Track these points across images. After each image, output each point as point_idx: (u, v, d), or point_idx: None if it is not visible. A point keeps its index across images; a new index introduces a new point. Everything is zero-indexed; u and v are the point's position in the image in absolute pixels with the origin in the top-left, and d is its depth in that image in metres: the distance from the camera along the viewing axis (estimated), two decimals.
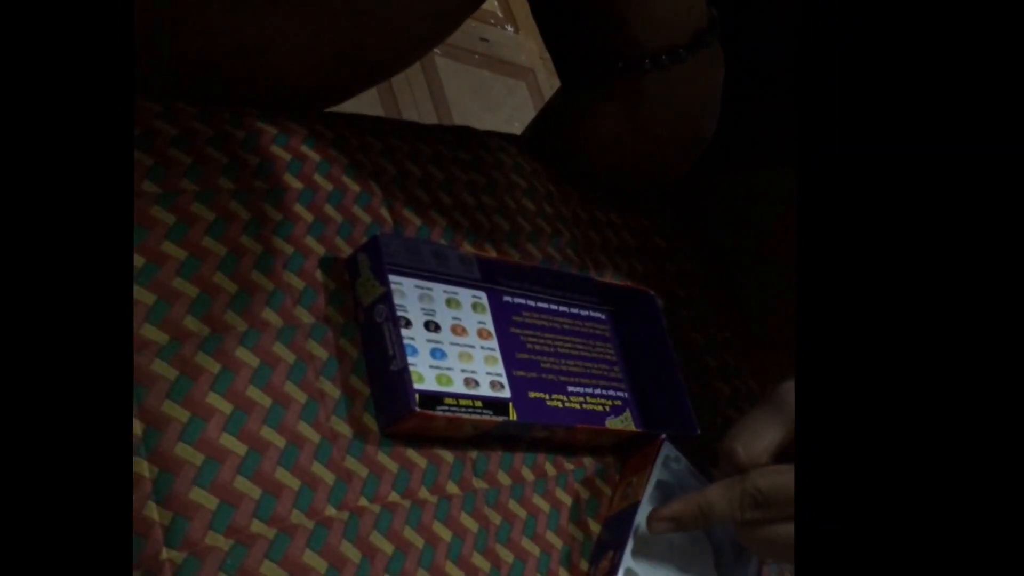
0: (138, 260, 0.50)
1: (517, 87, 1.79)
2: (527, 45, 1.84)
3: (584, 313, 0.69)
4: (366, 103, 1.34)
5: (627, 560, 0.59)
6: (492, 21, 1.71)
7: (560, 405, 0.64)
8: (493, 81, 1.76)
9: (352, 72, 0.64)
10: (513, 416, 0.59)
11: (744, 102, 0.78)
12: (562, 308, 0.68)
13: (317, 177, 0.60)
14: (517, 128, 1.62)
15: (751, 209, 0.87)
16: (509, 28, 1.74)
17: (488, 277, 0.64)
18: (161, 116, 0.55)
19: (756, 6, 0.77)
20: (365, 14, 0.59)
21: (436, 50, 1.50)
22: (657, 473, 0.63)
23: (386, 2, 0.59)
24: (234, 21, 0.57)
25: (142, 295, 0.49)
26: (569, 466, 0.63)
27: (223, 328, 0.51)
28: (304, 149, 0.60)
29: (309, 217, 0.58)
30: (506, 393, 0.61)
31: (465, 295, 0.62)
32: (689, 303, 0.80)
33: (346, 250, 0.58)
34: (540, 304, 0.67)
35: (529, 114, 1.83)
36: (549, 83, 1.88)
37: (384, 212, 0.62)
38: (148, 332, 0.48)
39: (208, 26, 0.57)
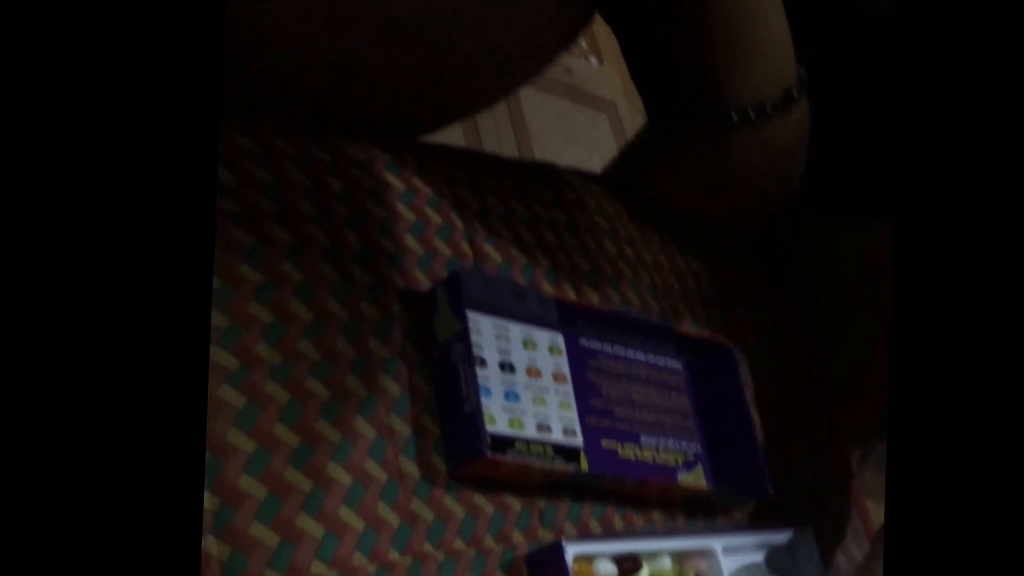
0: (216, 282, 0.49)
1: (599, 119, 1.77)
2: (611, 78, 1.82)
3: (660, 362, 0.67)
4: (447, 132, 1.33)
5: None
6: (576, 52, 1.70)
7: (632, 456, 0.62)
8: (575, 112, 1.74)
9: (440, 103, 0.63)
10: (584, 466, 0.58)
11: (832, 155, 0.76)
12: (639, 355, 0.66)
13: (400, 206, 0.59)
14: (597, 161, 1.61)
15: (834, 263, 0.85)
16: (593, 60, 1.73)
17: (566, 319, 0.62)
18: (243, 131, 0.54)
19: (846, 62, 0.75)
20: (455, 48, 0.58)
21: None
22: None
23: (477, 37, 0.58)
24: (325, 42, 0.57)
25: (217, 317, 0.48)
26: (639, 521, 0.61)
27: (295, 357, 0.49)
28: (388, 176, 0.59)
29: (390, 247, 0.56)
30: (578, 440, 0.59)
31: (542, 337, 0.61)
32: (766, 355, 0.77)
33: (425, 283, 0.57)
34: (616, 350, 0.65)
35: (610, 147, 1.81)
36: (631, 117, 1.87)
37: (465, 246, 0.61)
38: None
39: (298, 44, 0.57)
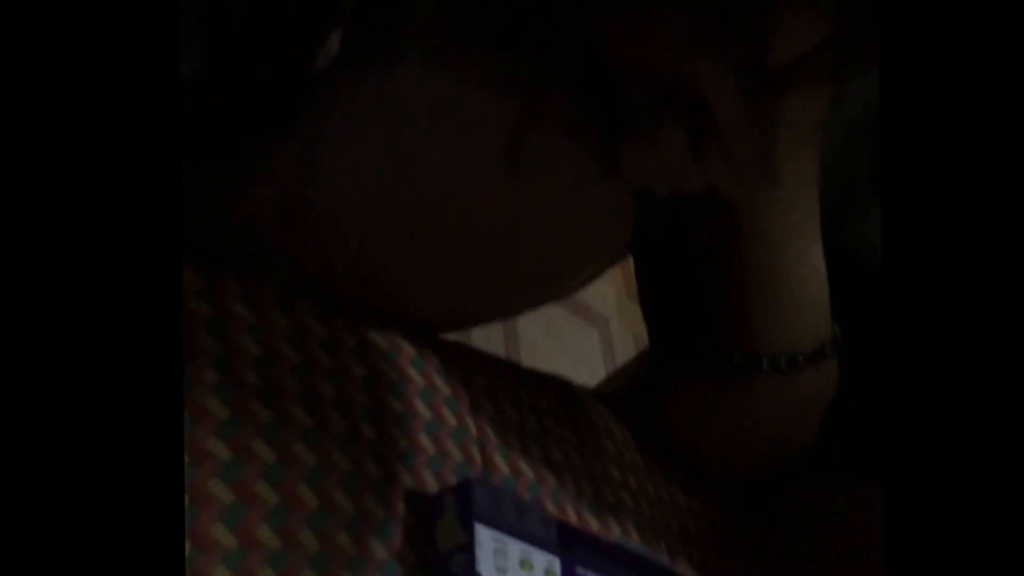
0: (225, 454, 0.47)
1: (590, 333, 1.78)
2: (605, 292, 1.85)
3: None
4: None
5: None
6: None
7: None
8: (566, 322, 1.75)
9: (472, 311, 0.63)
10: None
11: (835, 414, 0.76)
12: None
13: (418, 402, 0.57)
14: (583, 375, 1.60)
15: (829, 523, 0.84)
16: None
17: (565, 544, 0.60)
18: (280, 308, 0.53)
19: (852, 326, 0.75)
20: (499, 262, 0.59)
21: None
22: None
23: (524, 254, 0.59)
24: (362, 250, 0.57)
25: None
26: None
27: (293, 546, 0.47)
28: (411, 371, 0.58)
29: (404, 443, 0.55)
30: None
31: (540, 558, 0.58)
32: None
33: (432, 484, 0.55)
34: None
35: (598, 363, 1.82)
36: (620, 335, 1.88)
37: (475, 452, 0.59)
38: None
39: (334, 249, 0.57)
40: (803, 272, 0.65)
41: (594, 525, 0.64)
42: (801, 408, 0.69)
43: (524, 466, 0.61)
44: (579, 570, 0.61)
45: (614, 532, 0.66)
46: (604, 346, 1.86)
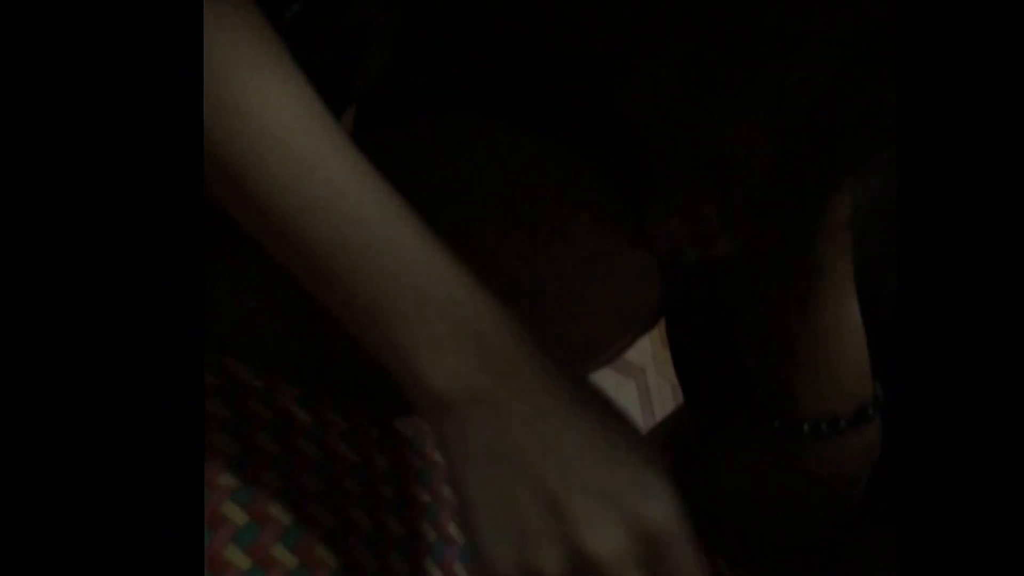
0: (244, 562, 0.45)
1: (626, 384, 1.76)
2: (641, 343, 1.81)
3: None
4: None
5: None
6: None
7: None
8: (601, 374, 1.73)
9: None
10: None
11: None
12: None
13: (445, 490, 0.55)
14: None
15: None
16: None
17: None
18: (300, 403, 0.52)
19: None
20: None
21: None
22: None
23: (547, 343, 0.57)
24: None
25: None
26: None
27: None
28: (437, 456, 0.56)
29: (431, 535, 0.53)
30: None
31: None
32: None
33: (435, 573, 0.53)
34: None
35: (636, 415, 1.78)
36: (657, 385, 1.85)
37: None
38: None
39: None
40: (840, 332, 0.63)
41: None
42: (846, 469, 0.67)
43: None
44: None
45: None
46: (641, 397, 1.83)
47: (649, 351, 1.87)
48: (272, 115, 0.43)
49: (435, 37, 0.60)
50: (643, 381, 1.84)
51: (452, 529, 0.54)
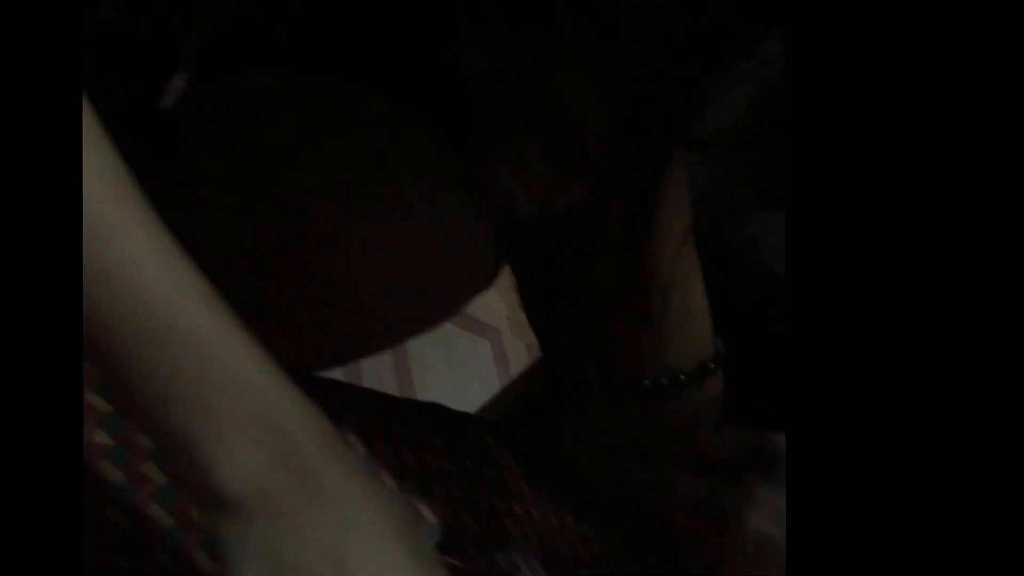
0: None
1: (481, 346, 1.76)
2: (495, 304, 1.82)
3: None
4: None
5: None
6: None
7: None
8: (457, 336, 1.73)
9: (348, 356, 0.61)
10: None
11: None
12: None
13: None
14: (477, 390, 1.58)
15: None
16: None
17: None
18: None
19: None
20: (364, 315, 0.57)
21: None
22: None
23: (385, 305, 0.56)
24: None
25: None
26: None
27: None
28: None
29: None
30: None
31: None
32: None
33: None
34: None
35: (492, 376, 1.79)
36: (513, 345, 1.86)
37: None
38: None
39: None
40: (681, 290, 0.64)
41: (480, 560, 0.62)
42: (687, 423, 0.68)
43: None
44: None
45: (501, 567, 0.63)
46: (497, 358, 1.84)
47: (504, 311, 1.87)
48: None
49: None
50: (499, 342, 1.85)
51: None
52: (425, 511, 0.59)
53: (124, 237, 0.36)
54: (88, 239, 0.35)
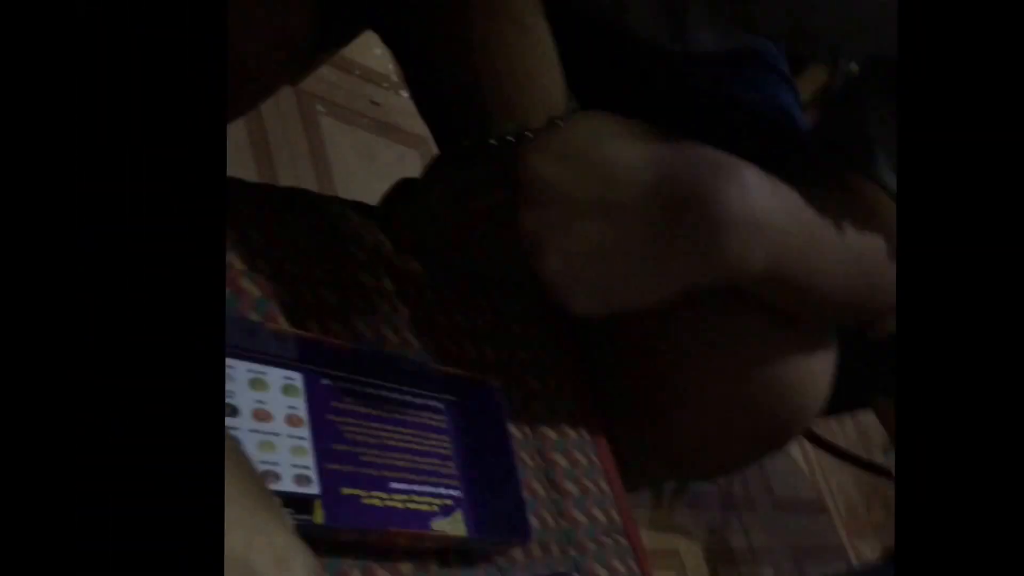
0: None
1: (408, 155, 1.73)
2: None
3: (417, 402, 0.63)
4: (238, 162, 1.27)
5: None
6: (385, 84, 1.66)
7: (379, 503, 0.57)
8: (383, 147, 1.70)
9: None
10: (319, 517, 0.53)
11: None
12: (392, 395, 0.62)
13: None
14: None
15: None
16: (404, 94, 1.70)
17: (307, 358, 0.57)
18: None
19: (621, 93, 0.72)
20: None
21: (320, 108, 1.44)
22: None
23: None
24: None
25: None
26: (382, 573, 0.56)
27: None
28: None
29: None
30: (314, 489, 0.54)
31: (275, 375, 0.56)
32: (543, 396, 0.74)
33: None
34: (367, 390, 0.60)
35: None
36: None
37: None
38: None
39: None
40: (527, 44, 0.62)
41: (343, 335, 0.62)
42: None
43: (247, 284, 0.58)
44: (325, 382, 0.58)
45: (367, 338, 0.63)
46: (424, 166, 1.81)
47: None
48: None
49: None
50: (427, 150, 1.82)
51: None
52: (247, 285, 0.58)
53: None
54: None
